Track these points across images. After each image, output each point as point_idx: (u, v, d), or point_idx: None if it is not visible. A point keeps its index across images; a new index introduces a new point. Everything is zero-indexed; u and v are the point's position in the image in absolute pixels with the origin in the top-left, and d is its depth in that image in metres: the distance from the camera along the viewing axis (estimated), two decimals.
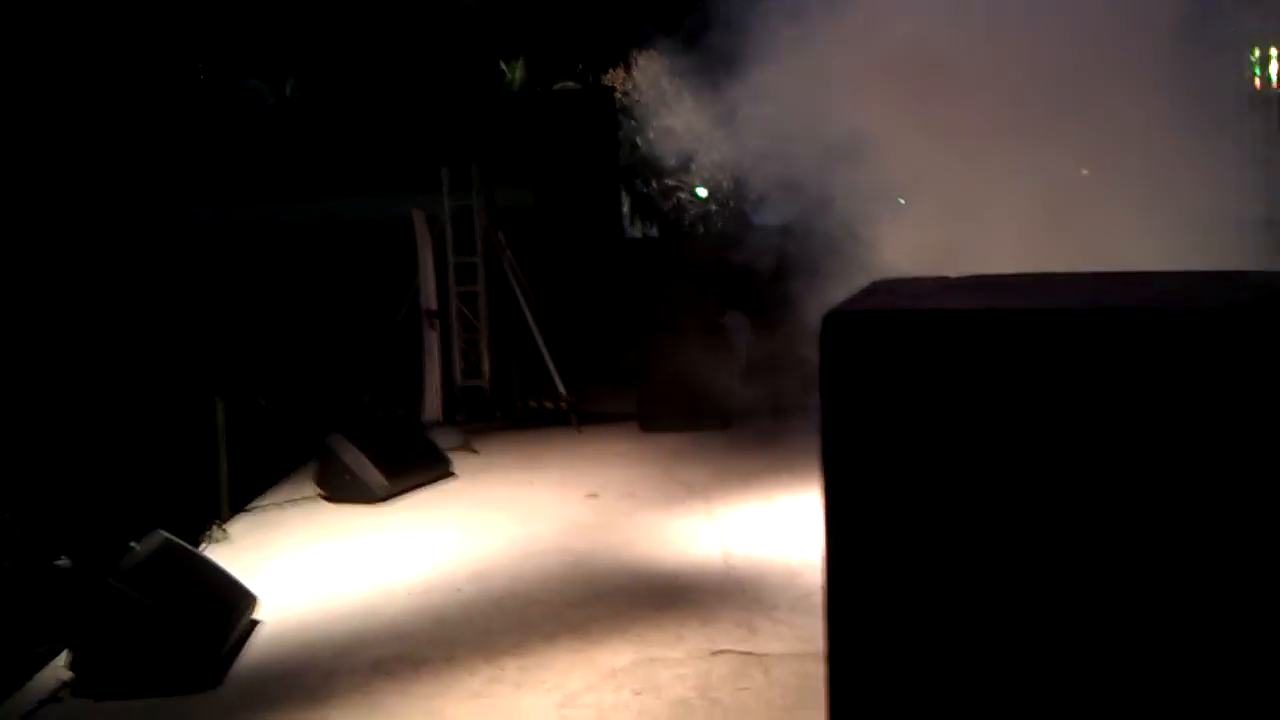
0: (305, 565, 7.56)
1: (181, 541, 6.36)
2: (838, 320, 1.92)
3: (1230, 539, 1.88)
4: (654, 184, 14.09)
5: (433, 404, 12.33)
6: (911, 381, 1.90)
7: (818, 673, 2.30)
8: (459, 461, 10.42)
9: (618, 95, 17.68)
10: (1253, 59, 7.49)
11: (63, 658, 5.58)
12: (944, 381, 1.89)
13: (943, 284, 2.12)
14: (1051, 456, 1.92)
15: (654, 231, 16.60)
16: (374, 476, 9.14)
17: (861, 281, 2.20)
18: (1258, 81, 7.58)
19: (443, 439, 10.92)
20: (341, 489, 9.19)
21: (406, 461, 9.65)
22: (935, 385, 1.89)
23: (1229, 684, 1.91)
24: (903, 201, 9.25)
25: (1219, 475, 1.87)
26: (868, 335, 1.91)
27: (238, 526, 8.53)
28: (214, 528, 8.13)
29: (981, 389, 1.89)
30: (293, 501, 9.28)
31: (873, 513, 1.97)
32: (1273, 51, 7.53)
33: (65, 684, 5.45)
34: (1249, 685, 1.90)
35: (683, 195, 14.06)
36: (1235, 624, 1.89)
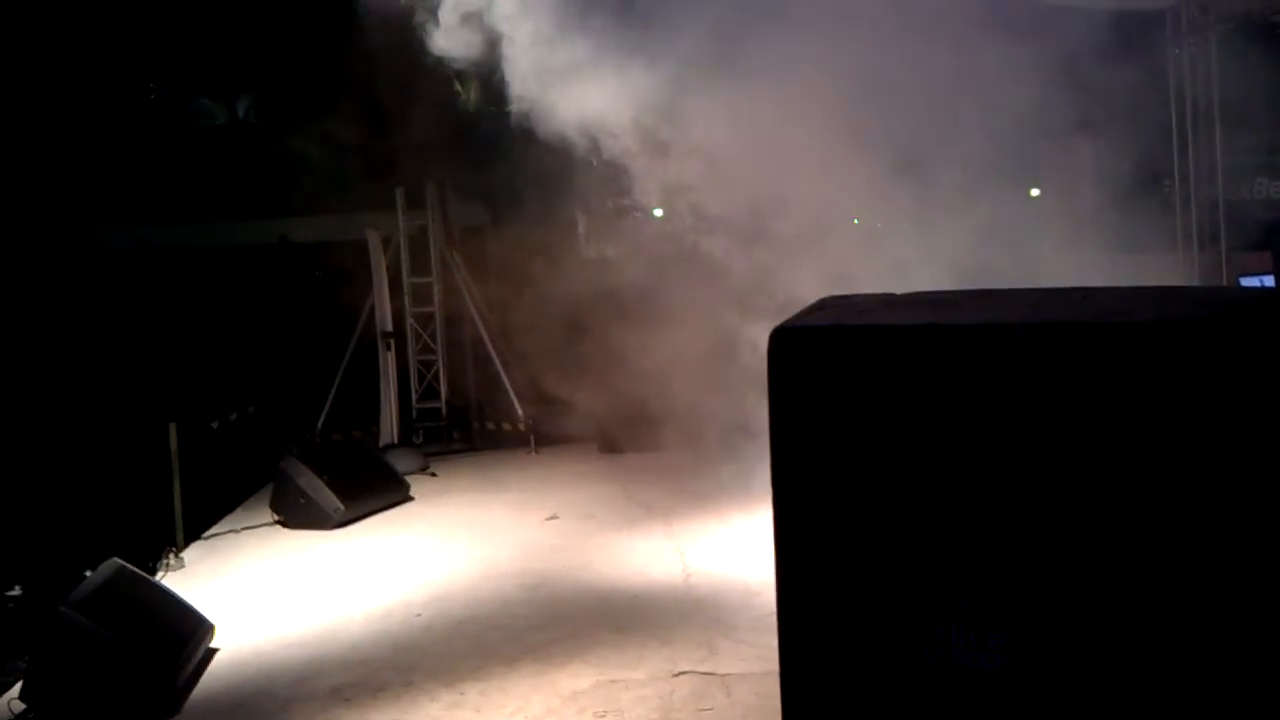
0: (262, 592, 7.49)
1: (136, 569, 6.29)
2: (785, 336, 1.95)
3: (1173, 542, 1.92)
4: (609, 204, 14.08)
5: (389, 426, 12.26)
6: (857, 395, 1.93)
7: (779, 692, 2.31)
8: (417, 484, 10.37)
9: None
10: None
11: (16, 689, 5.50)
12: (889, 395, 1.93)
13: (887, 300, 2.15)
14: (996, 466, 1.96)
15: (610, 252, 16.61)
16: (329, 500, 9.05)
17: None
18: None
19: (400, 462, 10.84)
20: (297, 514, 9.10)
21: (363, 485, 9.57)
22: (880, 398, 1.93)
23: (1177, 684, 1.95)
24: (856, 222, 9.35)
25: (1157, 481, 1.91)
26: (814, 350, 1.94)
27: (193, 553, 8.44)
28: (169, 555, 8.04)
29: (925, 402, 1.92)
30: (249, 528, 9.19)
31: (821, 522, 2.00)
32: None
33: (18, 716, 5.37)
34: (1197, 688, 1.94)
35: (638, 215, 14.06)
36: (1180, 624, 1.93)
